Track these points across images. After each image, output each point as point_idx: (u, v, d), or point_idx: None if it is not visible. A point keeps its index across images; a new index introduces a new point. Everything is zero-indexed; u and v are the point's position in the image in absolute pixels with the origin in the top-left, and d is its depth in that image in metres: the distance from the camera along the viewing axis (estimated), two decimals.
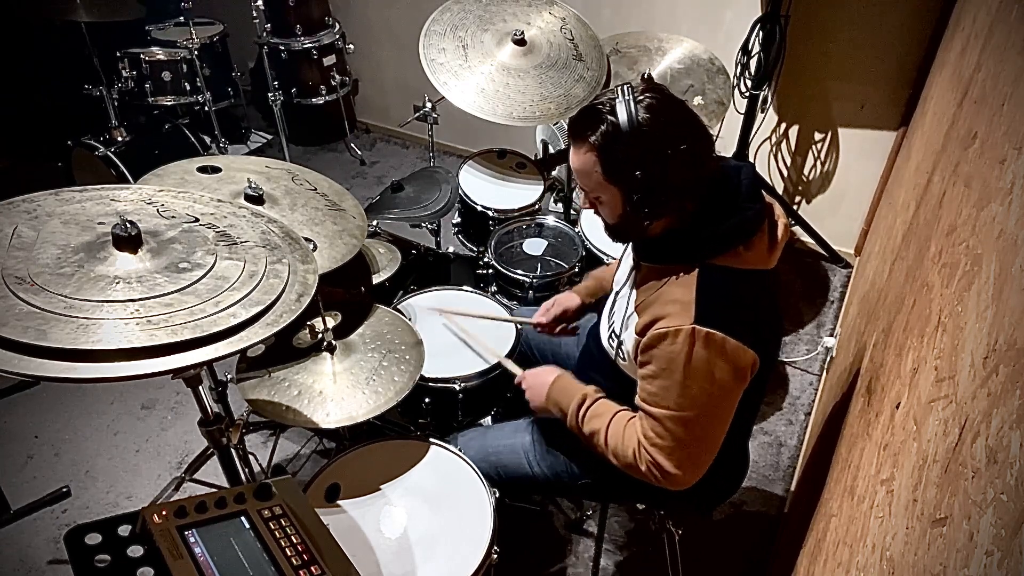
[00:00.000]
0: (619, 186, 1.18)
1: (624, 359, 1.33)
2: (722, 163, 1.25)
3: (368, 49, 3.79)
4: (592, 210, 1.29)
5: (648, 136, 1.13)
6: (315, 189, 1.64)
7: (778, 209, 1.26)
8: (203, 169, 1.56)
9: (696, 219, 1.19)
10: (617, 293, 1.42)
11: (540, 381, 1.44)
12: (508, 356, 1.72)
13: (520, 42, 2.14)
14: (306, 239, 1.46)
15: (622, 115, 1.13)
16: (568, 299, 1.68)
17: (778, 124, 3.01)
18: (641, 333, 1.22)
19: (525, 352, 1.81)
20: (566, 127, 2.42)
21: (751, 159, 2.99)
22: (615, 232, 1.29)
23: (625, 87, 1.16)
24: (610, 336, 1.39)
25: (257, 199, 1.48)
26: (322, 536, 0.99)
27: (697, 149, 1.16)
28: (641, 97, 1.14)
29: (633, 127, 1.12)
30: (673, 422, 1.18)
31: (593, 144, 1.16)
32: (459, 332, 1.81)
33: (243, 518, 0.98)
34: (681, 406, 1.17)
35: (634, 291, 1.31)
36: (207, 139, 3.39)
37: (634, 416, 1.26)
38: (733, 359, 1.13)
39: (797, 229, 3.11)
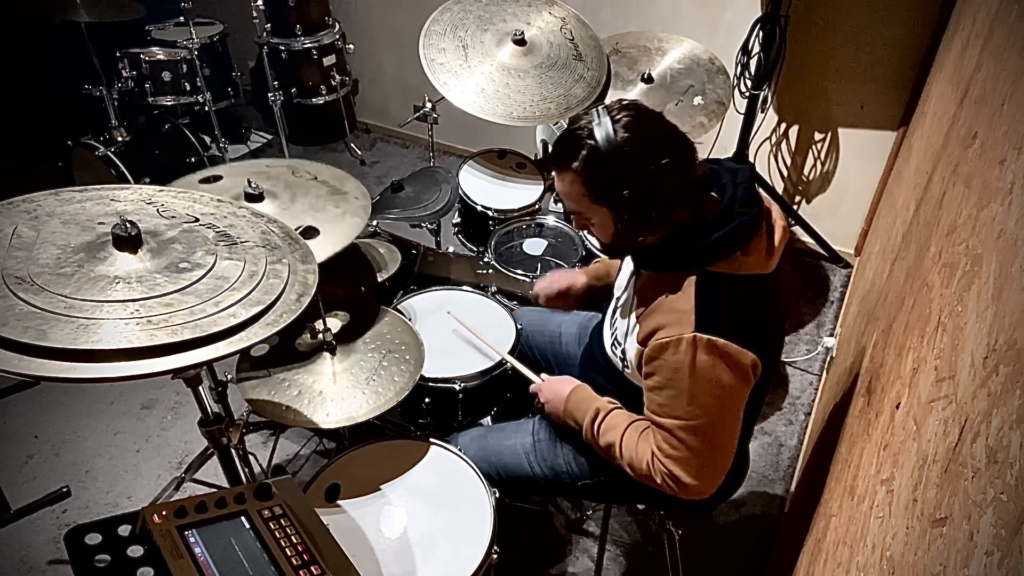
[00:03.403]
0: (608, 207, 1.18)
1: (628, 367, 1.33)
2: (719, 165, 1.25)
3: (368, 49, 3.79)
4: (584, 231, 1.30)
5: (630, 154, 1.13)
6: (315, 178, 1.63)
7: (776, 212, 1.26)
8: (205, 180, 1.56)
9: (693, 226, 1.19)
10: (618, 300, 1.43)
11: (557, 394, 1.44)
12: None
13: (520, 42, 2.14)
14: (309, 227, 1.46)
15: (600, 137, 1.13)
16: (574, 276, 1.67)
17: (778, 124, 3.02)
18: (643, 343, 1.22)
19: (525, 352, 1.81)
20: (566, 127, 2.42)
21: (751, 159, 2.99)
22: (610, 250, 1.30)
23: (600, 109, 1.17)
24: (613, 344, 1.39)
25: (257, 197, 1.48)
26: (322, 536, 0.99)
27: (681, 159, 1.16)
28: (618, 116, 1.15)
29: (614, 147, 1.13)
30: (684, 431, 1.18)
31: (576, 170, 1.17)
32: (465, 333, 1.81)
33: (243, 518, 0.98)
34: (691, 415, 1.17)
35: (635, 299, 1.31)
36: (207, 139, 3.39)
37: (648, 427, 1.26)
38: (736, 363, 1.14)
39: (797, 229, 3.11)
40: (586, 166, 1.15)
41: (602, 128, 1.14)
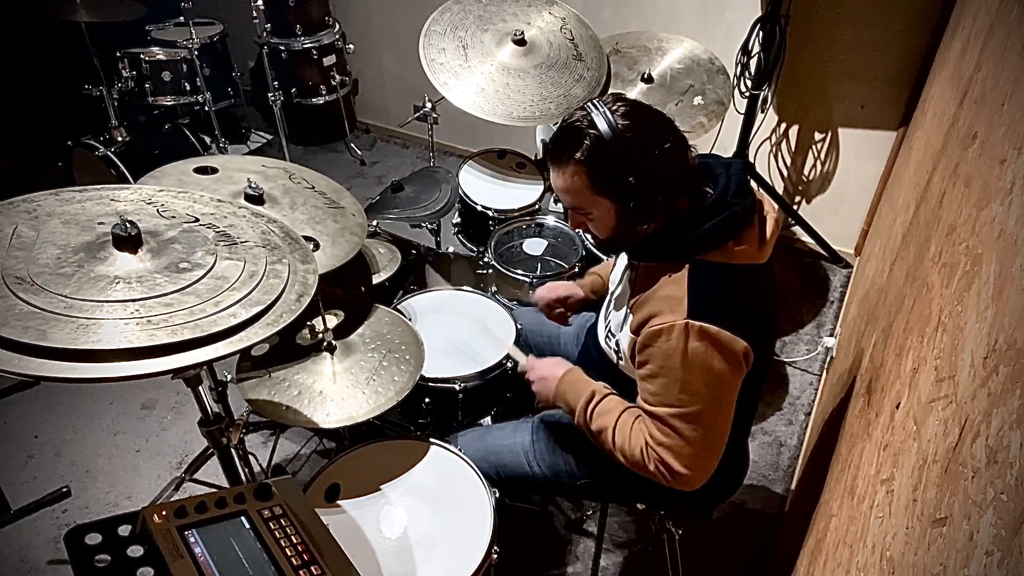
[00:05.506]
0: (611, 197, 1.18)
1: (622, 359, 1.34)
2: (713, 159, 1.26)
3: (368, 49, 3.79)
4: (581, 229, 1.30)
5: (633, 140, 1.14)
6: (313, 187, 1.64)
7: (768, 204, 1.27)
8: (201, 170, 1.56)
9: (687, 216, 1.20)
10: (613, 293, 1.43)
11: (549, 374, 1.42)
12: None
13: (520, 42, 2.14)
14: (309, 238, 1.46)
15: (603, 126, 1.14)
16: (572, 288, 1.68)
17: (778, 124, 3.01)
18: (636, 331, 1.22)
19: (524, 352, 1.81)
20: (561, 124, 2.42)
21: (751, 159, 2.99)
22: (608, 245, 1.30)
23: (595, 101, 1.18)
24: (607, 336, 1.40)
25: (257, 199, 1.48)
26: (322, 536, 0.99)
27: (679, 144, 1.18)
28: (614, 107, 1.16)
29: (617, 135, 1.13)
30: (678, 419, 1.18)
31: (580, 160, 1.16)
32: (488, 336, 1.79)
33: (243, 518, 0.98)
34: (684, 402, 1.17)
35: (629, 290, 1.32)
36: (207, 139, 3.39)
37: (642, 415, 1.27)
38: (728, 349, 1.14)
39: (797, 229, 3.11)
40: (590, 156, 1.15)
41: (602, 117, 1.14)
